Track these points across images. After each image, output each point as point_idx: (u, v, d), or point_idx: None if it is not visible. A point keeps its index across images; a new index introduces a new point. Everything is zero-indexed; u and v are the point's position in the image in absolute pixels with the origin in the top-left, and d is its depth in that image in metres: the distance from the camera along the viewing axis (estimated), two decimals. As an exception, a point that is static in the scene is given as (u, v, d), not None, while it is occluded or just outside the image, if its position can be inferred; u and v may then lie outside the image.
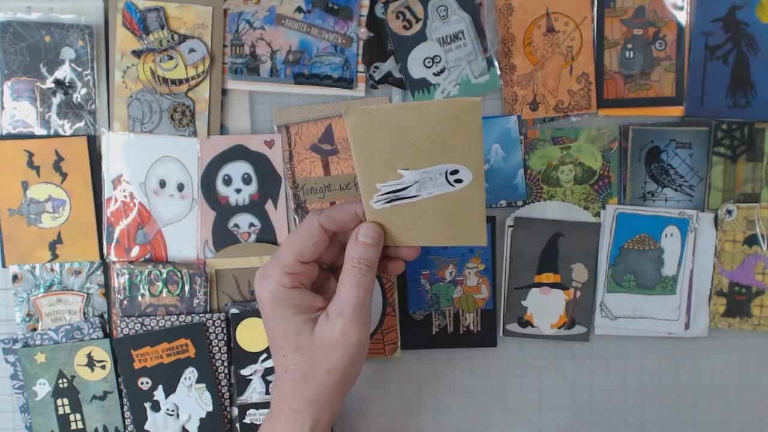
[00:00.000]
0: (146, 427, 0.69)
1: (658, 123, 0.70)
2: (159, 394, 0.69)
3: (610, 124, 0.70)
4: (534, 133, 0.70)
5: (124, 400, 0.69)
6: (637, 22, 0.69)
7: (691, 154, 0.70)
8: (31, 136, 0.67)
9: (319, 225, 0.57)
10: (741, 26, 0.69)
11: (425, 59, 0.68)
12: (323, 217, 0.57)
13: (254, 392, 0.69)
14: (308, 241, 0.57)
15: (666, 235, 0.71)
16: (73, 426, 0.69)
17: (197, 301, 0.69)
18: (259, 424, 0.69)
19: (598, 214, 0.71)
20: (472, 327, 0.71)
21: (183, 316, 0.68)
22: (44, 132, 0.67)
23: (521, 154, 0.70)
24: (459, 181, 0.54)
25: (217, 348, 0.69)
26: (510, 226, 0.70)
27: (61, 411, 0.69)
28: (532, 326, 0.71)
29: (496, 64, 0.69)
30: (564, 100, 0.70)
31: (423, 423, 0.72)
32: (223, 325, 0.69)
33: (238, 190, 0.69)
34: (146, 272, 0.68)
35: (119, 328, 0.68)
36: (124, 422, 0.69)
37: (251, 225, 0.70)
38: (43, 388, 0.68)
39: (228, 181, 0.69)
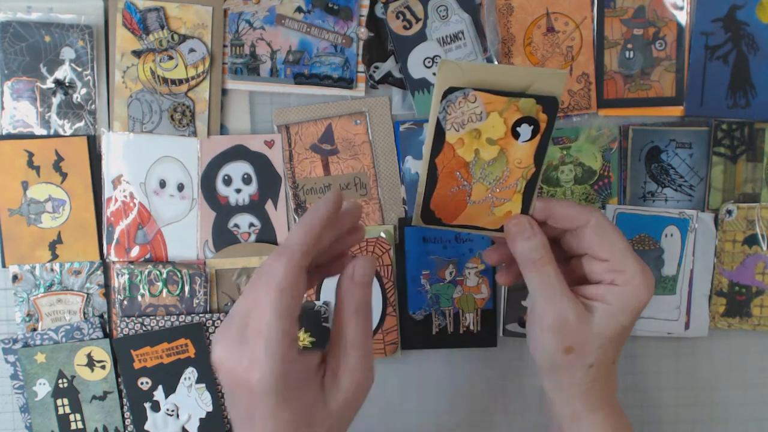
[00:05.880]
0: (146, 427, 0.69)
1: (658, 123, 0.70)
2: (159, 394, 0.69)
3: (610, 124, 0.70)
4: (534, 133, 0.70)
5: (124, 400, 0.69)
6: (637, 22, 0.69)
7: (691, 154, 0.70)
8: (31, 136, 0.67)
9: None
10: (741, 26, 0.69)
11: (425, 59, 0.68)
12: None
13: (254, 392, 0.69)
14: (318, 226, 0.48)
15: (666, 235, 0.71)
16: (73, 426, 0.69)
17: (197, 301, 0.69)
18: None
19: (598, 214, 0.71)
20: (472, 327, 0.71)
21: (183, 316, 0.68)
22: (44, 132, 0.67)
23: (521, 154, 0.70)
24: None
25: (217, 348, 0.69)
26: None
27: (61, 411, 0.69)
28: (532, 326, 0.71)
29: (496, 64, 0.69)
30: (564, 100, 0.70)
31: (423, 423, 0.72)
32: (223, 325, 0.69)
33: (238, 190, 0.69)
34: (146, 272, 0.68)
35: (119, 328, 0.68)
36: (124, 422, 0.69)
37: (251, 225, 0.70)
38: (43, 388, 0.68)
39: (228, 181, 0.69)
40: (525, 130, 0.53)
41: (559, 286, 0.52)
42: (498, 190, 0.55)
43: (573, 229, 0.54)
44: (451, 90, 0.51)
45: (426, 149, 0.53)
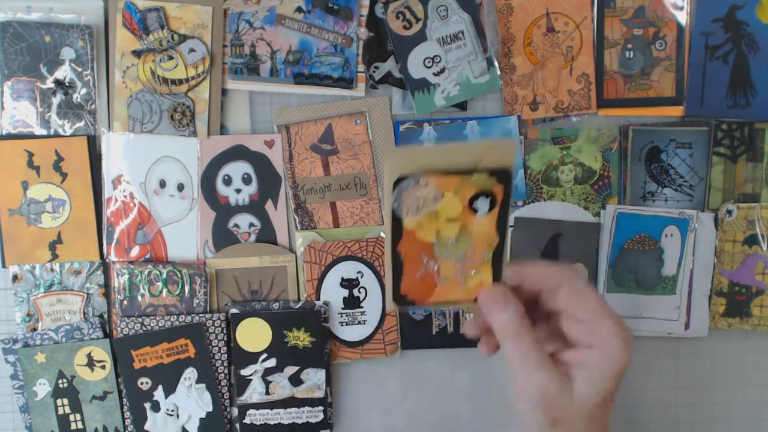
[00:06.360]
0: (146, 427, 0.69)
1: (658, 123, 0.70)
2: (159, 394, 0.69)
3: (610, 124, 0.70)
4: (534, 133, 0.70)
5: (124, 400, 0.69)
6: (637, 22, 0.69)
7: (691, 154, 0.70)
8: (31, 136, 0.67)
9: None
10: (741, 26, 0.69)
11: (425, 59, 0.68)
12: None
13: (254, 392, 0.69)
14: None
15: (666, 235, 0.71)
16: (73, 426, 0.69)
17: (197, 301, 0.69)
18: (259, 425, 0.70)
19: (598, 214, 0.71)
20: (472, 327, 0.71)
21: (183, 316, 0.68)
22: (44, 132, 0.67)
23: (521, 154, 0.70)
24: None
25: (216, 348, 0.69)
26: (510, 226, 0.70)
27: (61, 411, 0.69)
28: (532, 326, 0.71)
29: (496, 64, 0.69)
30: (564, 100, 0.70)
31: (423, 423, 0.72)
32: (222, 325, 0.69)
33: (238, 190, 0.69)
34: (146, 272, 0.68)
35: (119, 328, 0.68)
36: (124, 422, 0.69)
37: (251, 225, 0.70)
38: (43, 388, 0.68)
39: (228, 181, 0.69)
40: (482, 203, 0.51)
41: (536, 358, 0.50)
42: (466, 264, 0.53)
43: (548, 290, 0.52)
44: (401, 179, 0.50)
45: (386, 239, 0.52)
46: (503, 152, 0.50)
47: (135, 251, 0.69)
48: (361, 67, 0.69)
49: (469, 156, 0.50)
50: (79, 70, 0.67)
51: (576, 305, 0.51)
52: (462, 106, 0.70)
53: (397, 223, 0.51)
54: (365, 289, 0.70)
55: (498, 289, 0.52)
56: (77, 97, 0.67)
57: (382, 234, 0.70)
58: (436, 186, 0.50)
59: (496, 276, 0.52)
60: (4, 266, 0.68)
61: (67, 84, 0.67)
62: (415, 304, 0.54)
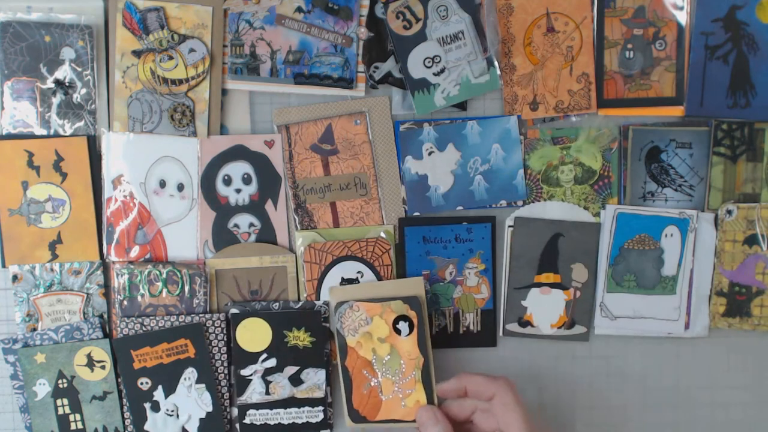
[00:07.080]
0: (146, 427, 0.69)
1: (658, 123, 0.70)
2: (159, 394, 0.69)
3: (610, 124, 0.70)
4: (534, 133, 0.70)
5: (124, 400, 0.69)
6: (637, 22, 0.69)
7: (691, 154, 0.70)
8: (31, 136, 0.67)
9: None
10: (741, 26, 0.69)
11: (425, 59, 0.68)
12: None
13: (254, 392, 0.69)
14: None
15: (666, 235, 0.71)
16: (73, 426, 0.69)
17: (197, 301, 0.69)
18: (259, 425, 0.69)
19: (598, 214, 0.71)
20: (472, 327, 0.71)
21: (183, 316, 0.68)
22: (44, 132, 0.67)
23: (521, 154, 0.70)
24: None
25: (216, 348, 0.69)
26: (510, 226, 0.71)
27: (60, 411, 0.69)
28: (532, 326, 0.71)
29: (496, 64, 0.69)
30: (564, 100, 0.70)
31: (423, 423, 0.72)
32: (222, 326, 0.69)
33: (238, 190, 0.69)
34: (146, 272, 0.68)
35: (119, 329, 0.68)
36: (123, 422, 0.69)
37: (251, 225, 0.70)
38: (43, 388, 0.68)
39: (228, 181, 0.69)
40: (403, 326, 0.65)
41: None
42: (401, 382, 0.65)
43: (486, 399, 0.61)
44: (339, 304, 0.65)
45: (338, 356, 0.66)
46: (413, 284, 0.65)
47: (135, 251, 0.69)
48: (361, 67, 0.69)
49: (389, 289, 0.66)
50: (79, 70, 0.67)
51: (502, 416, 0.60)
52: (462, 106, 0.70)
53: (342, 341, 0.65)
54: (365, 289, 0.70)
55: (431, 408, 0.64)
56: (77, 97, 0.67)
57: (383, 234, 0.70)
58: (365, 310, 0.65)
59: (429, 396, 0.65)
60: (4, 266, 0.68)
61: (67, 84, 0.67)
62: (366, 420, 0.66)
